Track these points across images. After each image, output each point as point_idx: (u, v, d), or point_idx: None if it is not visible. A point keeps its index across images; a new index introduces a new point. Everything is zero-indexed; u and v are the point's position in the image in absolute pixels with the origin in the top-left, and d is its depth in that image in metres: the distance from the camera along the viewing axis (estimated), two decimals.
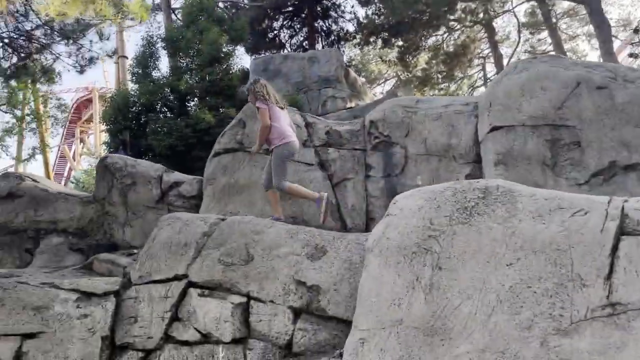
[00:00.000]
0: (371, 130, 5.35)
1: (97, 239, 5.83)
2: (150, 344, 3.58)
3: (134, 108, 20.20)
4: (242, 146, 5.30)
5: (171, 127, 17.19)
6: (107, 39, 10.39)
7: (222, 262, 3.74)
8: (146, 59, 15.39)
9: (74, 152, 32.42)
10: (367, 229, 4.87)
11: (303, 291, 3.40)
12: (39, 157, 21.67)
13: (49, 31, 6.13)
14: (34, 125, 24.13)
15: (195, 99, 18.09)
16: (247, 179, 5.14)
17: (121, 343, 3.61)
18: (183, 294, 3.72)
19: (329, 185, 5.19)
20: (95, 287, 3.75)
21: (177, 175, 6.03)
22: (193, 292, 3.70)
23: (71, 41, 6.27)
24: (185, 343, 3.57)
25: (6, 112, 21.54)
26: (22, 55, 6.06)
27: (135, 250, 5.38)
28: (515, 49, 19.49)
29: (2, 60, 6.68)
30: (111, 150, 19.28)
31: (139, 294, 3.77)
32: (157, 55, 20.12)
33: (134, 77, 21.09)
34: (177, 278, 3.77)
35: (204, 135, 11.11)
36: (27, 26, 6.23)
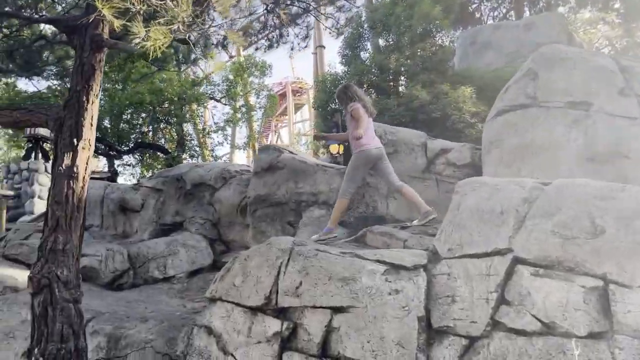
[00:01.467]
0: None
1: (360, 211, 5.65)
2: (475, 330, 3.08)
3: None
4: (536, 101, 4.50)
5: (382, 106, 17.05)
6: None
7: (557, 235, 3.04)
8: (355, 40, 15.47)
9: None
10: None
11: None
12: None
13: None
14: (247, 116, 26.73)
15: (406, 76, 17.69)
16: (546, 139, 4.34)
17: (439, 326, 3.18)
18: (509, 272, 3.12)
19: None
20: (402, 259, 3.39)
21: (442, 142, 5.53)
22: (523, 269, 3.08)
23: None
24: (521, 332, 2.97)
25: (225, 104, 24.17)
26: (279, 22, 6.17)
27: (408, 224, 5.02)
28: None
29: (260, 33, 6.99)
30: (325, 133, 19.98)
31: (452, 270, 3.30)
32: (366, 36, 20.21)
33: (343, 59, 21.59)
34: (498, 252, 3.19)
35: (418, 114, 10.63)
36: None
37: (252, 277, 3.69)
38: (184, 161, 18.92)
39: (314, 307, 3.39)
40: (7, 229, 10.27)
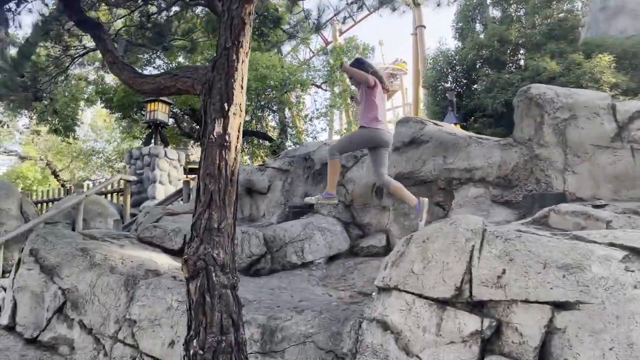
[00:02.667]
0: None
1: (528, 189, 4.85)
2: None
3: (458, 67, 19.42)
4: None
5: (504, 82, 15.70)
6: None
7: None
8: (469, 12, 14.34)
9: None
10: None
11: None
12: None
13: None
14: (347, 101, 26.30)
15: (528, 48, 16.18)
16: None
17: None
18: None
19: None
20: None
21: (637, 104, 4.55)
22: None
23: None
24: None
25: (326, 90, 23.82)
26: None
27: (599, 202, 4.17)
28: None
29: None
30: (437, 114, 19.07)
31: None
32: (483, 6, 18.80)
33: (456, 34, 20.30)
34: None
35: None
36: None
37: (435, 262, 3.09)
38: (288, 148, 18.85)
39: (527, 301, 2.72)
40: (132, 214, 10.61)
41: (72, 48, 6.09)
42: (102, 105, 20.44)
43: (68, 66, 5.90)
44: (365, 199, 6.46)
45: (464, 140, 5.52)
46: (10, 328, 4.78)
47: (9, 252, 8.13)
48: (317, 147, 7.06)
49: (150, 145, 11.78)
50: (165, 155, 11.78)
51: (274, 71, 20.05)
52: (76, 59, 5.91)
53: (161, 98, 12.59)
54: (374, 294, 4.66)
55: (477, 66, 17.47)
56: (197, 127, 20.54)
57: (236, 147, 3.42)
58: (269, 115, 23.41)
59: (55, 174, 26.94)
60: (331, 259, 5.82)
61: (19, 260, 4.97)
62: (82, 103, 20.74)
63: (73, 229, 9.43)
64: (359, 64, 4.63)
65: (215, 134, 3.34)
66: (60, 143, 29.03)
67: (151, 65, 19.85)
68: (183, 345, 3.13)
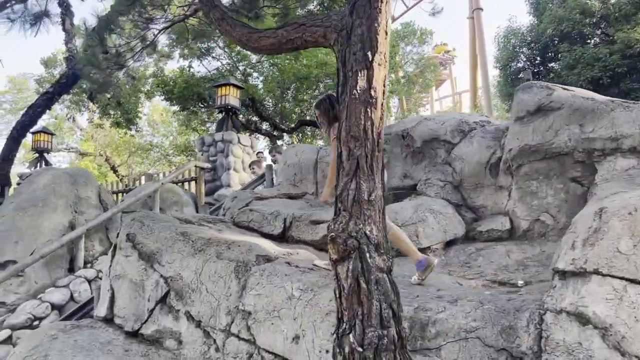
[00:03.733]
0: None
1: None
2: None
3: (533, 45, 18.27)
4: None
5: (589, 57, 14.52)
6: None
7: None
8: None
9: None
10: None
11: None
12: None
13: None
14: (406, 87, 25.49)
15: (613, 20, 14.99)
16: None
17: None
18: None
19: None
20: None
21: None
22: None
23: None
24: None
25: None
26: None
27: None
28: None
29: None
30: (510, 96, 17.96)
31: None
32: None
33: (531, 9, 19.10)
34: None
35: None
36: None
37: None
38: None
39: None
40: (207, 203, 10.35)
41: (156, 21, 5.74)
42: (162, 97, 20.51)
43: (153, 40, 5.54)
44: (478, 178, 5.83)
45: (606, 106, 4.79)
46: (108, 320, 4.47)
47: (90, 242, 7.99)
48: (417, 123, 6.47)
49: (223, 131, 11.47)
50: (239, 141, 11.46)
51: (334, 57, 19.52)
52: (161, 32, 5.54)
53: (232, 82, 12.25)
54: (520, 282, 4.06)
55: (556, 42, 16.37)
56: (255, 118, 20.32)
57: (382, 105, 2.90)
58: None
59: (114, 169, 27.48)
60: (447, 244, 5.24)
61: (115, 246, 4.66)
62: (142, 96, 20.94)
63: None
64: (332, 108, 3.85)
65: (358, 88, 2.83)
66: (119, 138, 29.65)
67: (210, 55, 19.80)
68: (335, 340, 2.63)
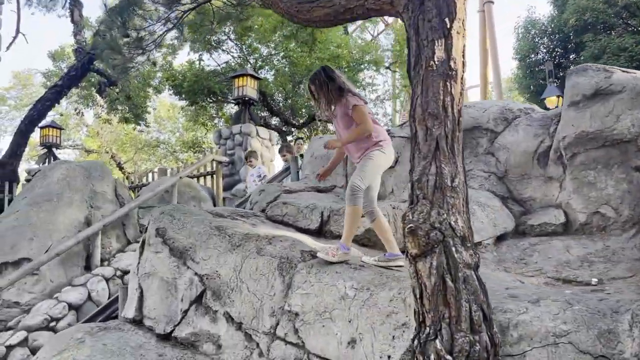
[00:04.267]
0: None
1: None
2: None
3: (554, 36, 17.90)
4: None
5: (615, 47, 14.15)
6: None
7: None
8: None
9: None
10: None
11: None
12: None
13: None
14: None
15: (635, 9, 14.65)
16: None
17: None
18: None
19: None
20: None
21: None
22: None
23: None
24: None
25: (395, 71, 22.69)
26: None
27: None
28: None
29: None
30: (529, 89, 17.62)
31: None
32: None
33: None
34: None
35: None
36: None
37: None
38: None
39: None
40: (225, 198, 10.04)
41: (178, 2, 5.42)
42: (171, 92, 20.20)
43: (178, 21, 5.23)
44: (525, 169, 5.49)
45: None
46: (137, 321, 4.16)
47: (107, 238, 7.70)
48: None
49: (241, 124, 11.12)
50: (257, 134, 11.12)
51: (346, 50, 19.16)
52: (188, 13, 5.22)
53: (249, 72, 11.90)
54: (593, 280, 3.72)
55: (579, 32, 16.01)
56: (264, 113, 19.97)
57: (462, 78, 2.56)
58: None
59: (119, 166, 27.21)
60: (497, 239, 4.91)
61: (143, 242, 4.34)
62: (150, 90, 20.61)
63: None
64: (331, 79, 3.51)
65: (436, 60, 2.50)
66: (125, 135, 29.38)
67: (220, 48, 19.48)
68: (416, 346, 2.31)
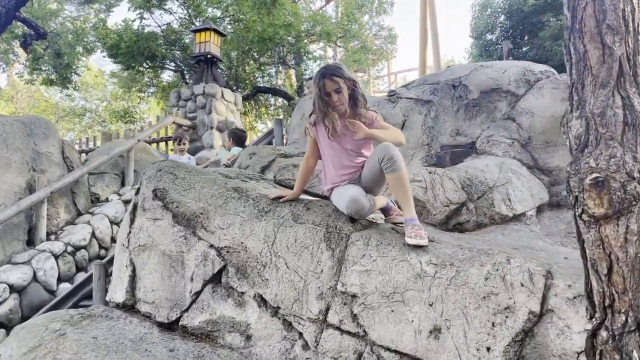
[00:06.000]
0: None
1: None
2: None
3: (513, 15, 17.95)
4: None
5: None
6: None
7: None
8: None
9: None
10: None
11: None
12: None
13: None
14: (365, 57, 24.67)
15: None
16: None
17: None
18: None
19: None
20: None
21: None
22: None
23: None
24: None
25: (340, 46, 22.11)
26: None
27: None
28: None
29: None
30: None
31: None
32: None
33: None
34: None
35: None
36: None
37: None
38: None
39: None
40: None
41: None
42: (104, 54, 18.47)
43: None
44: (550, 136, 5.06)
45: None
46: (129, 307, 3.32)
47: (54, 208, 6.57)
48: (472, 70, 5.58)
49: (204, 84, 10.03)
50: (222, 96, 10.08)
51: (299, 19, 18.30)
52: None
53: (213, 27, 10.76)
54: None
55: (537, 11, 16.06)
56: None
57: None
58: (289, 69, 21.67)
59: None
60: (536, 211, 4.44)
61: (134, 207, 3.47)
62: (80, 49, 18.71)
63: (122, 183, 7.88)
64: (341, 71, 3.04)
65: None
66: (45, 101, 26.96)
67: (162, 7, 17.97)
68: (605, 341, 1.71)
